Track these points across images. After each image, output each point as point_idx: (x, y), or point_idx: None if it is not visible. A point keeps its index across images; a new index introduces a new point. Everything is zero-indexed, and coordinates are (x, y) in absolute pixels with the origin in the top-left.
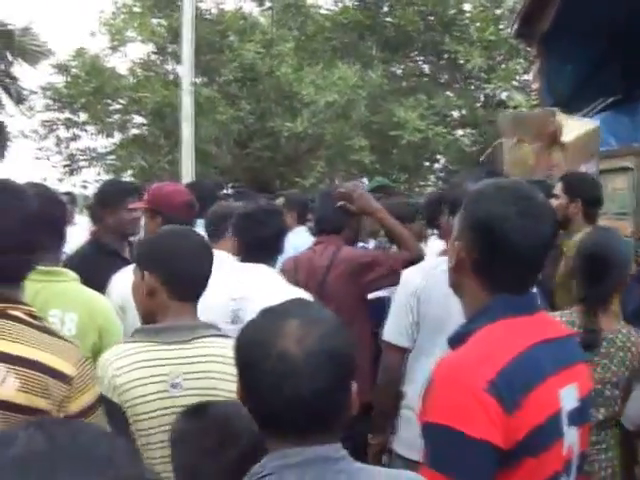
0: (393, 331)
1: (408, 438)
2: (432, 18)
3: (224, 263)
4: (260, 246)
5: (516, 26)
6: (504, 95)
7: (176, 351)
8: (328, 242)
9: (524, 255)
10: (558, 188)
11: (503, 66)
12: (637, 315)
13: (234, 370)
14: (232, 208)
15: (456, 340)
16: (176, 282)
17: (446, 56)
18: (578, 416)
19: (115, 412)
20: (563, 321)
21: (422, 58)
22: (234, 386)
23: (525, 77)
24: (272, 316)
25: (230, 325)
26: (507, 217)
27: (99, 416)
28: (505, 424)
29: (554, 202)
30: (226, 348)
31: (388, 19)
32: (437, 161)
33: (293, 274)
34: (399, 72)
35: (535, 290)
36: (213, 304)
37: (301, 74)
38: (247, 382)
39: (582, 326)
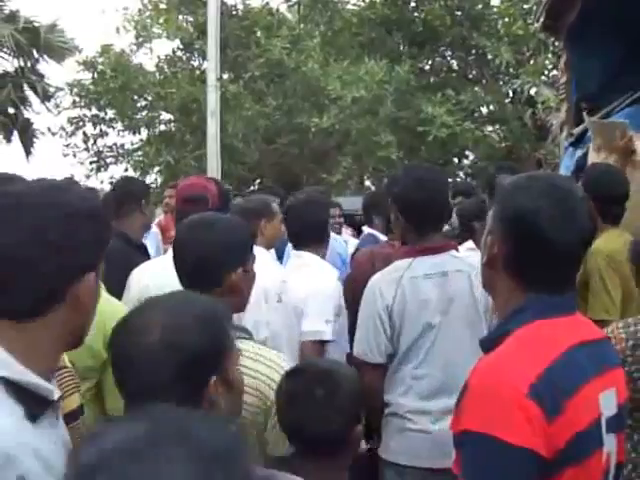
0: (365, 348)
1: (397, 446)
2: (459, 13)
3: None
4: (303, 234)
5: (542, 19)
6: (533, 91)
7: None
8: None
9: (559, 250)
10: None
11: (532, 61)
12: None
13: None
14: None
15: (490, 343)
16: None
17: (474, 51)
18: (616, 423)
19: None
20: (629, 331)
21: (450, 53)
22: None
23: (554, 72)
24: (139, 307)
25: (276, 303)
26: (541, 209)
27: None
28: (547, 431)
29: None
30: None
31: (415, 14)
32: (466, 157)
33: (369, 265)
34: (426, 67)
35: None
36: (268, 286)
37: (328, 70)
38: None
39: None
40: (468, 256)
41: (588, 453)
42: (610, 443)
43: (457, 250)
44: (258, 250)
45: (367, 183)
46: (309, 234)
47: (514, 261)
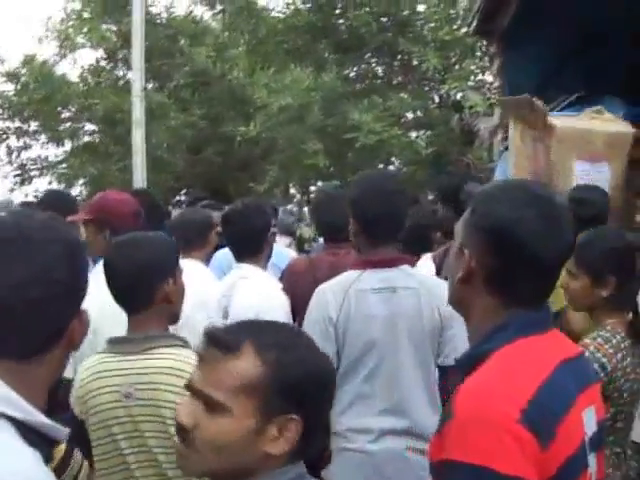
0: None
1: (335, 467)
2: (385, 19)
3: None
4: (238, 244)
5: (475, 23)
6: (459, 96)
7: (129, 362)
8: (345, 248)
9: (544, 264)
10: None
11: (458, 66)
12: None
13: (180, 382)
14: (204, 216)
15: (468, 363)
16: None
17: (400, 57)
18: (597, 441)
19: (74, 422)
20: (612, 344)
21: (376, 60)
22: (179, 398)
23: (480, 77)
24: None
25: (222, 319)
26: (527, 220)
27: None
28: (540, 457)
29: None
30: (177, 360)
31: (341, 21)
32: (392, 163)
33: (308, 274)
34: (353, 74)
35: None
36: (210, 299)
37: (253, 78)
38: None
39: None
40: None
41: (576, 476)
42: (592, 463)
43: (411, 265)
44: (195, 264)
45: (293, 191)
46: (247, 245)
47: (495, 276)
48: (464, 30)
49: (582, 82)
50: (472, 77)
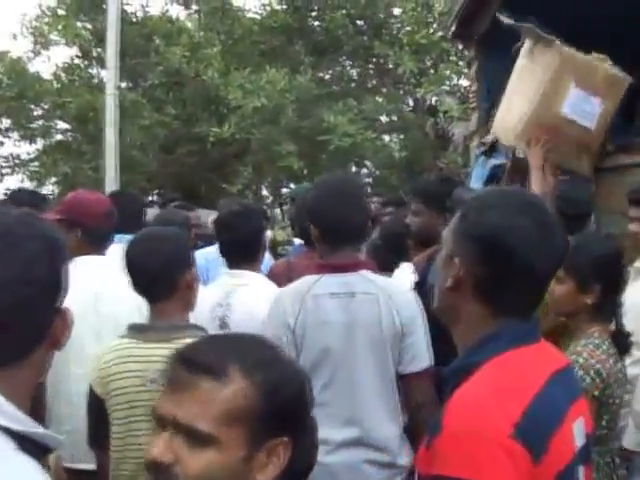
0: None
1: None
2: (361, 22)
3: None
4: (237, 249)
5: (453, 27)
6: (434, 100)
7: (153, 350)
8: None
9: (537, 274)
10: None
11: (433, 71)
12: None
13: None
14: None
15: (456, 375)
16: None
17: (375, 60)
18: (585, 453)
19: (94, 401)
20: (604, 349)
21: (351, 62)
22: None
23: (456, 82)
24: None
25: (219, 330)
26: (522, 228)
27: None
28: (533, 472)
29: None
30: None
31: (317, 23)
32: (365, 166)
33: (286, 277)
34: (328, 76)
35: None
36: (201, 309)
37: (228, 78)
38: None
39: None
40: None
41: None
42: (580, 476)
43: (372, 270)
44: None
45: (265, 193)
46: (246, 249)
47: (485, 285)
48: (440, 34)
49: None
50: (447, 81)
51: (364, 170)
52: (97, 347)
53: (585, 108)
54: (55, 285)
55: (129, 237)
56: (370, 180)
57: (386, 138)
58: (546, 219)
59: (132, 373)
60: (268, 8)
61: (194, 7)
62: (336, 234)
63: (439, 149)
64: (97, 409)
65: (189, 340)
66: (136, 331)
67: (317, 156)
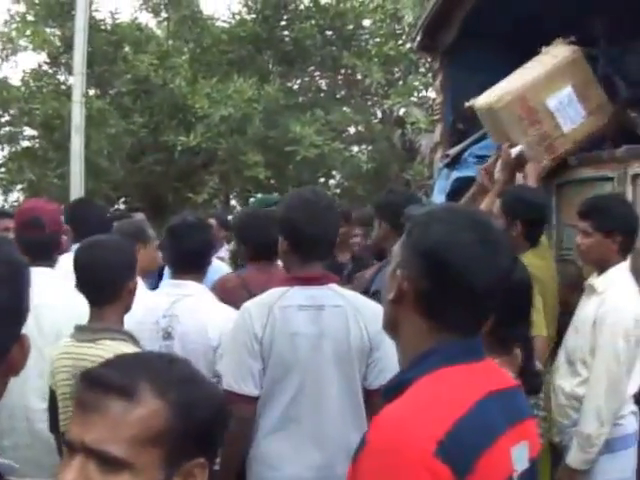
0: (238, 378)
1: None
2: (330, 32)
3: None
4: (184, 261)
5: (419, 38)
6: (402, 111)
7: (83, 348)
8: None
9: (480, 290)
10: (496, 207)
11: (402, 82)
12: None
13: None
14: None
15: (392, 391)
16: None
17: (344, 71)
18: (529, 478)
19: (50, 389)
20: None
21: (319, 73)
22: None
23: (424, 93)
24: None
25: (163, 341)
26: (465, 245)
27: None
28: None
29: None
30: (107, 352)
31: (286, 33)
32: (333, 177)
33: (242, 290)
34: (296, 87)
35: None
36: (144, 320)
37: (196, 87)
38: None
39: (518, 370)
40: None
41: None
42: None
43: (338, 284)
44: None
45: (233, 203)
46: (192, 260)
47: (427, 300)
48: (409, 46)
49: None
50: (415, 93)
51: (332, 181)
52: (39, 359)
53: (569, 111)
54: (16, 311)
55: None
56: (338, 191)
57: (354, 149)
58: (491, 237)
59: (65, 368)
60: (237, 17)
61: (164, 15)
62: (307, 248)
63: (406, 160)
64: (52, 397)
65: (109, 342)
66: (76, 331)
67: (284, 166)
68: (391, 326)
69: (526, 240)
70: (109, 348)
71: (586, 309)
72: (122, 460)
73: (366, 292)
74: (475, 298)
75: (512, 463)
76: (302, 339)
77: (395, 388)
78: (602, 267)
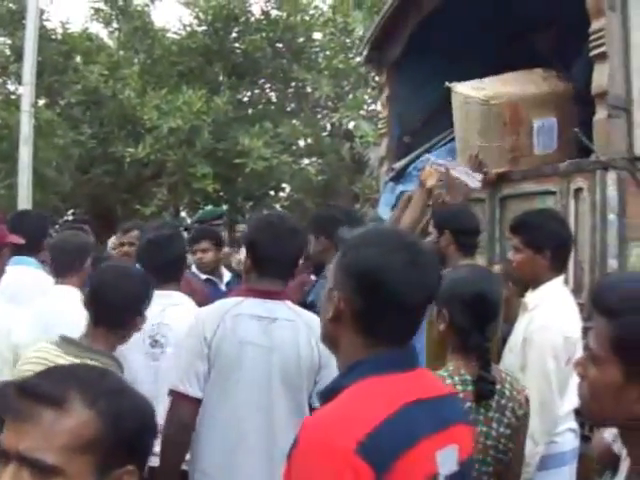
0: (184, 378)
1: None
2: (281, 45)
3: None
4: (166, 271)
5: (365, 52)
6: (351, 125)
7: (66, 360)
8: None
9: (407, 308)
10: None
11: (351, 95)
12: None
13: None
14: (83, 240)
15: (326, 396)
16: None
17: (294, 84)
18: (459, 479)
19: None
20: (456, 381)
21: (269, 85)
22: None
23: (373, 107)
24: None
25: (150, 349)
26: (394, 266)
27: None
28: None
29: (428, 238)
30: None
31: (236, 45)
32: (282, 190)
33: None
34: (246, 99)
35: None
36: None
37: (145, 98)
38: None
39: (474, 378)
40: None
41: None
42: None
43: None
44: (71, 291)
45: (183, 214)
46: (171, 270)
47: (362, 317)
48: (358, 59)
49: None
50: (364, 106)
51: (281, 194)
52: None
53: (546, 138)
54: None
55: (30, 260)
56: (287, 203)
57: (304, 162)
58: (419, 258)
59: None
60: (188, 29)
61: (115, 25)
62: (265, 265)
63: (355, 173)
64: None
65: (89, 362)
66: (62, 341)
67: (233, 178)
68: (329, 340)
69: (458, 250)
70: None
71: (518, 327)
72: (54, 468)
73: (303, 303)
74: (405, 314)
75: (437, 466)
76: (251, 348)
77: (328, 393)
78: (535, 283)
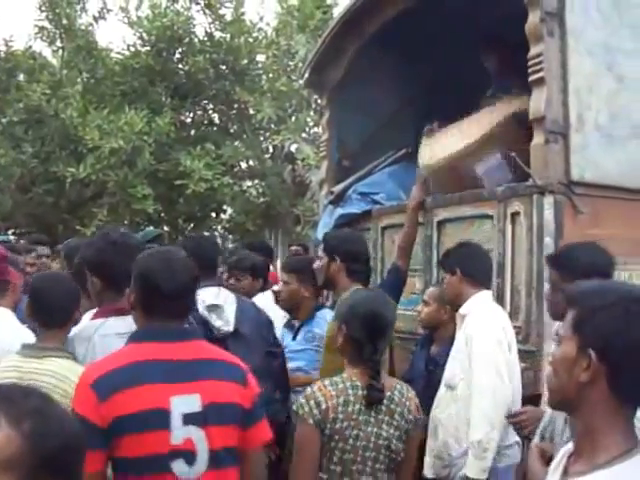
0: None
1: None
2: (224, 67)
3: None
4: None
5: (307, 75)
6: (293, 147)
7: (30, 363)
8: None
9: (165, 293)
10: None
11: (293, 118)
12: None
13: (63, 385)
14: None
15: None
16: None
17: (236, 106)
18: (202, 419)
19: None
20: (347, 386)
21: (212, 107)
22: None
23: (315, 130)
24: None
25: None
26: (152, 267)
27: None
28: (99, 409)
29: (317, 263)
30: (61, 367)
31: (180, 66)
32: (224, 212)
33: None
34: (188, 120)
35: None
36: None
37: (87, 118)
38: None
39: (365, 386)
40: None
41: (144, 430)
42: (190, 432)
43: None
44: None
45: None
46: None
47: (139, 303)
48: (301, 82)
49: (412, 137)
50: (306, 129)
51: (223, 215)
52: None
53: (497, 174)
54: None
55: None
56: (228, 225)
57: (246, 184)
58: (172, 262)
59: (13, 380)
60: (132, 49)
61: (58, 44)
62: (120, 280)
63: (297, 196)
64: None
65: (56, 358)
66: (23, 348)
67: (174, 200)
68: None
69: (348, 277)
70: (56, 363)
71: (459, 335)
72: None
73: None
74: (164, 299)
75: (169, 404)
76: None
77: None
78: (462, 300)
